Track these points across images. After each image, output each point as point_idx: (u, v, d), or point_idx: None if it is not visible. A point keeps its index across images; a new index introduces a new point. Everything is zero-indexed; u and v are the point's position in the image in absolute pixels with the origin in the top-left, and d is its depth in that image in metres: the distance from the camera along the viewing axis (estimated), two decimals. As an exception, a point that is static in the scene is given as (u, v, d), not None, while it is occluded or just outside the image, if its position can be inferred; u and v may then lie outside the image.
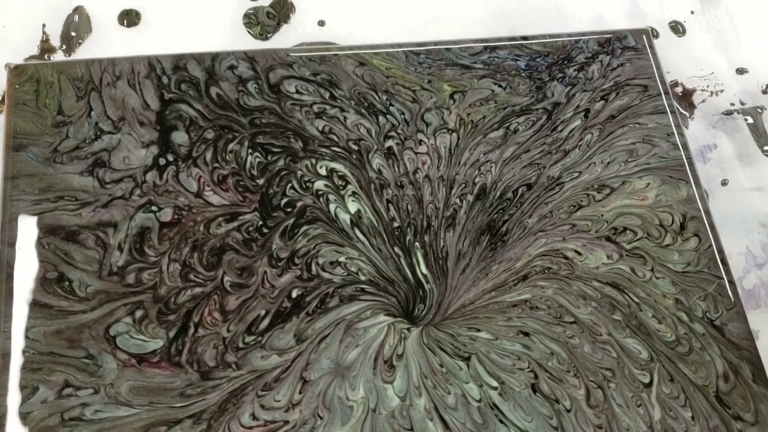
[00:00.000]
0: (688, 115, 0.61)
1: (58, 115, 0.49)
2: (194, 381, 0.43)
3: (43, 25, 0.57)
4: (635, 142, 0.55)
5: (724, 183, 0.58)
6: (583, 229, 0.51)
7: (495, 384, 0.46)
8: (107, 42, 0.57)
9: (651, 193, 0.53)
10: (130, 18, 0.58)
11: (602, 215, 0.52)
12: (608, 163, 0.54)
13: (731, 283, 0.51)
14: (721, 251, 0.51)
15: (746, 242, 0.56)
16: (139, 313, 0.44)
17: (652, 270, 0.50)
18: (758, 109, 0.62)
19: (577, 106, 0.56)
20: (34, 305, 0.43)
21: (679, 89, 0.62)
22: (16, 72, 0.50)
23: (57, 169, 0.48)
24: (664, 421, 0.46)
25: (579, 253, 0.50)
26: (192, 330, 0.44)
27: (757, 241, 0.57)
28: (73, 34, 0.57)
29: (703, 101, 0.61)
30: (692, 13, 0.65)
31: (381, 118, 0.53)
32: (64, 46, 0.56)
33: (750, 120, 0.61)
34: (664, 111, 0.57)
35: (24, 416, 0.41)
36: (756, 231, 0.57)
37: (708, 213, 0.53)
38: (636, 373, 0.47)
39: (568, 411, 0.45)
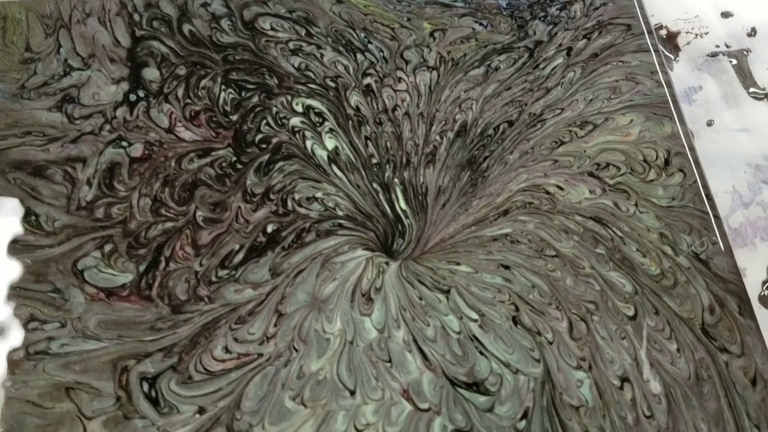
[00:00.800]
0: (672, 57, 0.59)
1: (26, 52, 0.48)
2: (165, 315, 0.41)
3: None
4: (618, 80, 0.53)
5: (709, 124, 0.56)
6: (565, 165, 0.49)
7: (475, 316, 0.44)
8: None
9: (634, 129, 0.51)
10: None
11: (585, 151, 0.50)
12: (591, 100, 0.52)
13: (716, 218, 0.49)
14: (706, 186, 0.50)
15: (732, 182, 0.55)
16: (108, 248, 0.43)
17: (635, 205, 0.49)
18: (744, 52, 0.60)
19: (560, 45, 0.54)
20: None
21: (663, 32, 0.60)
22: (-19, 8, 0.48)
23: (24, 105, 0.46)
24: (649, 353, 0.44)
25: (561, 188, 0.49)
26: (163, 264, 0.43)
27: (743, 181, 0.55)
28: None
29: (688, 44, 0.60)
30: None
31: (359, 56, 0.51)
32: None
33: (735, 62, 0.59)
34: (648, 50, 0.55)
35: (-12, 350, 0.39)
36: (742, 170, 0.55)
37: (693, 149, 0.51)
38: (620, 306, 0.46)
39: (551, 343, 0.44)
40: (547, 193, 0.48)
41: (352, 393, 0.41)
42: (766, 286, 0.51)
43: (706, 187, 0.50)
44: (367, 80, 0.50)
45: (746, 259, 0.52)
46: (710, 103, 0.58)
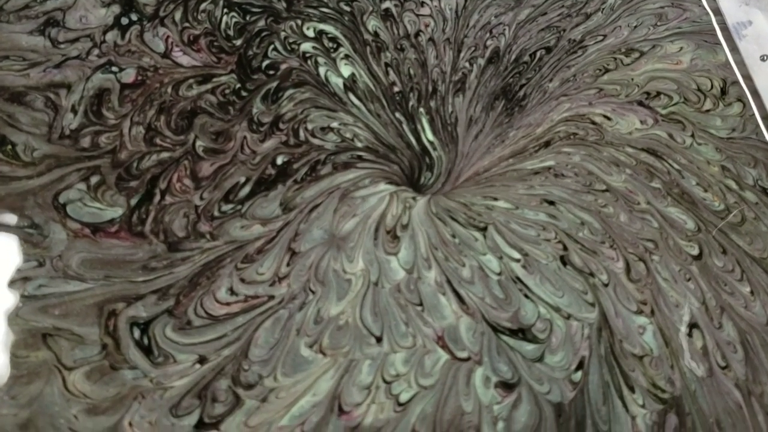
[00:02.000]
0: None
1: (4, -26, 0.42)
2: (160, 253, 0.35)
3: None
4: (663, 6, 0.47)
5: (763, 59, 0.50)
6: (611, 94, 0.43)
7: (517, 256, 0.37)
8: None
9: (685, 57, 0.45)
10: None
11: (632, 79, 0.44)
12: (635, 26, 0.46)
13: (784, 151, 0.43)
14: (767, 118, 0.43)
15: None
16: (94, 179, 0.36)
17: (692, 136, 0.42)
18: (794, -15, 0.54)
19: (597, -30, 0.48)
20: (-31, 169, 0.35)
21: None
22: None
23: (2, 28, 0.40)
24: (720, 296, 0.38)
25: (608, 118, 0.42)
26: (158, 198, 0.36)
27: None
28: None
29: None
30: None
31: (376, -20, 0.45)
32: None
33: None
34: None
35: (-48, 291, 0.33)
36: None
37: (749, 78, 0.45)
38: (682, 244, 0.39)
39: (606, 285, 0.37)
40: (593, 123, 0.42)
41: (379, 340, 0.34)
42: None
43: (767, 118, 0.44)
44: (386, 4, 0.44)
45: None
46: (762, 37, 0.52)
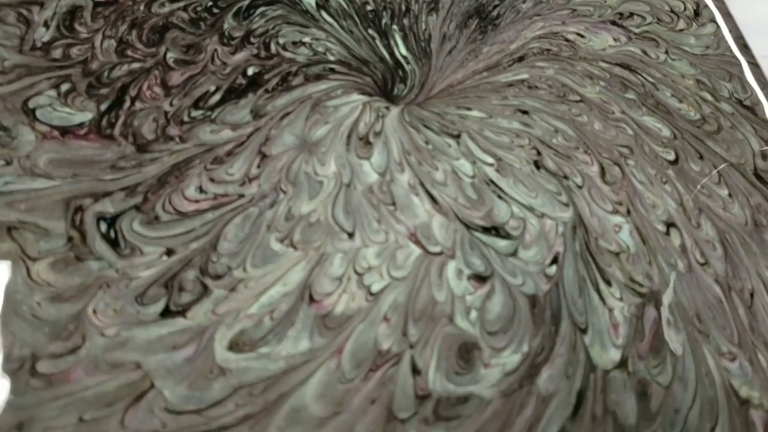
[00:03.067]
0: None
1: None
2: (128, 154, 0.34)
3: None
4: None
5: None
6: (584, 14, 0.43)
7: (491, 161, 0.37)
8: None
9: (659, -18, 0.45)
10: None
11: (605, 1, 0.44)
12: (608, -46, 0.46)
13: (755, 65, 0.42)
14: (741, 37, 0.43)
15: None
16: (65, 87, 0.36)
17: (666, 52, 0.42)
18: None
19: None
20: (-62, 76, 0.35)
21: None
22: None
23: (-24, -48, 0.40)
24: (698, 198, 0.37)
25: (582, 36, 0.42)
26: (128, 104, 0.36)
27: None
28: None
29: None
30: None
31: None
32: None
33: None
34: None
35: None
36: (778, 38, 0.48)
37: (722, 1, 0.45)
38: (658, 150, 0.38)
39: (580, 187, 0.37)
40: (567, 40, 0.42)
41: (351, 235, 0.33)
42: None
43: (741, 37, 0.43)
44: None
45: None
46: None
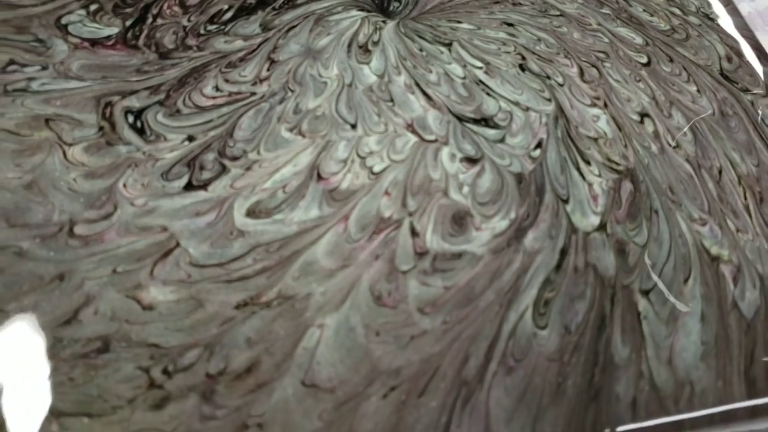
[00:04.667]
0: None
1: None
2: (152, 60, 0.37)
3: None
4: None
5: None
6: (562, -56, 0.46)
7: (480, 64, 0.40)
8: None
9: None
10: None
11: (582, -66, 0.47)
12: None
13: (724, -13, 0.45)
14: (709, -35, 0.46)
15: (736, -20, 0.51)
16: (93, 7, 0.39)
17: (639, -25, 0.45)
18: None
19: None
20: (-21, -2, 0.38)
21: None
22: None
23: None
24: (669, 93, 0.40)
25: (560, -38, 0.45)
26: (150, 20, 0.39)
27: (747, -21, 0.51)
28: None
29: None
30: None
31: None
32: None
33: None
34: None
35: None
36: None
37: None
38: (632, 54, 0.41)
39: (561, 85, 0.39)
40: (547, -34, 0.45)
41: (353, 126, 0.36)
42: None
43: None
44: None
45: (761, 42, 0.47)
46: None
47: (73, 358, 0.27)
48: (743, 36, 0.42)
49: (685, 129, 0.36)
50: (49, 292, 0.29)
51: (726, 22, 0.42)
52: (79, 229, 0.30)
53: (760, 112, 0.36)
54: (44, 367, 0.27)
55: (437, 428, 0.27)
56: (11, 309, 0.28)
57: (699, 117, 0.37)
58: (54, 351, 0.27)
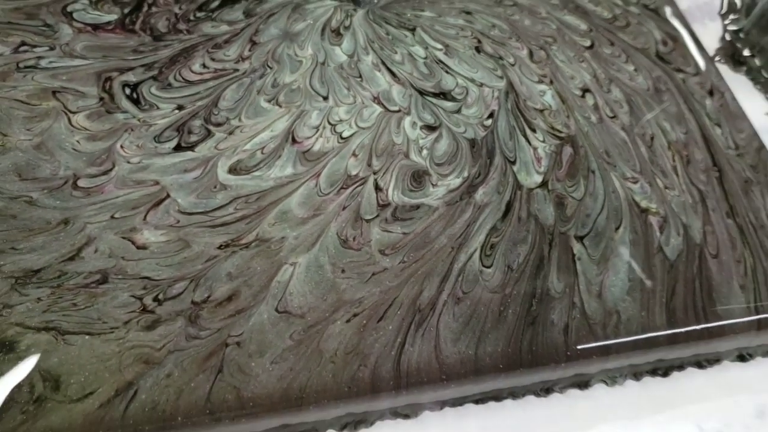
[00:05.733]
0: None
1: None
2: (147, 42, 0.41)
3: None
4: None
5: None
6: (518, -56, 0.50)
7: (440, 47, 0.44)
8: None
9: None
10: None
11: (536, -65, 0.51)
12: None
13: (662, -20, 0.50)
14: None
15: (678, -22, 0.55)
16: (95, -2, 0.43)
17: (586, -29, 0.49)
18: None
19: None
20: (-7, -12, 0.42)
21: None
22: None
23: None
24: (609, 72, 0.44)
25: (516, -40, 0.50)
26: (145, 8, 0.43)
27: (688, -23, 0.56)
28: None
29: None
30: None
31: None
32: None
33: None
34: None
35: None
36: (687, -29, 0.56)
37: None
38: (577, 39, 0.46)
39: (512, 65, 0.44)
40: (503, -37, 0.49)
41: (325, 98, 0.40)
42: (717, 51, 0.51)
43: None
44: None
45: (698, 33, 0.52)
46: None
47: (76, 287, 0.31)
48: (680, 23, 0.46)
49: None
50: (56, 234, 0.33)
51: (665, 10, 0.47)
52: (82, 183, 0.34)
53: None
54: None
55: (393, 347, 0.31)
56: (23, 248, 0.32)
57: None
58: (60, 281, 0.31)
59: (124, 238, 0.32)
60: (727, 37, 0.49)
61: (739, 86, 0.48)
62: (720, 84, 0.43)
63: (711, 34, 0.50)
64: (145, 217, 0.33)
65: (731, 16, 0.51)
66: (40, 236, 0.32)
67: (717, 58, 0.48)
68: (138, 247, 0.32)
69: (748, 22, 0.48)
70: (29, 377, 0.28)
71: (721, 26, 0.50)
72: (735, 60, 0.48)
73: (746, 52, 0.48)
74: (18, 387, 0.28)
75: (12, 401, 0.28)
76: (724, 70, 0.48)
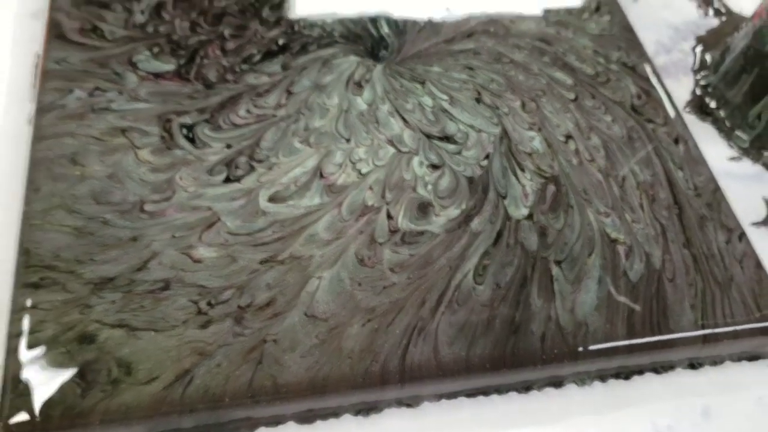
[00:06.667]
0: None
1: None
2: (200, 89, 0.49)
3: None
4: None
5: (634, 0, 0.65)
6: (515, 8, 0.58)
7: (446, 97, 0.51)
8: None
9: (571, -12, 0.60)
10: None
11: (531, 2, 0.59)
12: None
13: (636, 41, 0.57)
14: (628, 25, 0.58)
15: (657, 37, 0.63)
16: (156, 49, 0.51)
17: (573, 33, 0.57)
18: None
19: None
20: (71, 42, 0.51)
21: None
22: None
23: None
24: (589, 121, 0.51)
25: (513, 22, 0.57)
26: (198, 60, 0.51)
27: (666, 37, 0.63)
28: None
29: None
30: None
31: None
32: None
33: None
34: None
35: (63, 106, 0.47)
36: (665, 31, 0.64)
37: (616, 3, 0.60)
38: (563, 92, 0.53)
39: (507, 114, 0.51)
40: (503, 25, 0.57)
41: (348, 140, 0.48)
42: (687, 102, 0.58)
43: (631, 29, 0.58)
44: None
45: (672, 87, 0.59)
46: (637, -10, 0.67)
47: (144, 292, 0.39)
48: (655, 79, 0.53)
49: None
50: (126, 248, 0.40)
51: (641, 68, 0.54)
52: (147, 207, 0.42)
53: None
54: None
55: (399, 347, 0.38)
56: (99, 259, 0.40)
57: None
58: (130, 288, 0.39)
59: (182, 253, 0.40)
60: (697, 91, 0.57)
61: (705, 134, 0.55)
62: (685, 133, 0.50)
63: (684, 87, 0.57)
64: (201, 236, 0.41)
65: (702, 72, 0.58)
66: (114, 250, 0.39)
67: (687, 109, 0.55)
68: (194, 261, 0.40)
69: (715, 78, 0.56)
70: (107, 363, 0.36)
71: (693, 81, 0.58)
72: (703, 111, 0.55)
73: (713, 105, 0.55)
74: (98, 371, 0.35)
75: (94, 382, 0.35)
76: (693, 120, 0.55)
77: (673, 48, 0.60)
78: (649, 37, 0.60)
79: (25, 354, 0.35)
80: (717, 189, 0.47)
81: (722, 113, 0.55)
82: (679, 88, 0.57)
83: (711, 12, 0.64)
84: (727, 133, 0.54)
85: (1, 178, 0.44)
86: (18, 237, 0.39)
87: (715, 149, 0.53)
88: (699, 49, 0.61)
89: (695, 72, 0.59)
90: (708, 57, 0.60)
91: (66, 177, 0.42)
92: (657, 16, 0.63)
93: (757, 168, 0.53)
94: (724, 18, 0.63)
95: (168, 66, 0.48)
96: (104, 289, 0.38)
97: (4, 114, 0.48)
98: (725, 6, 0.64)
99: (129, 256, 0.39)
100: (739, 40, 0.54)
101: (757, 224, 0.49)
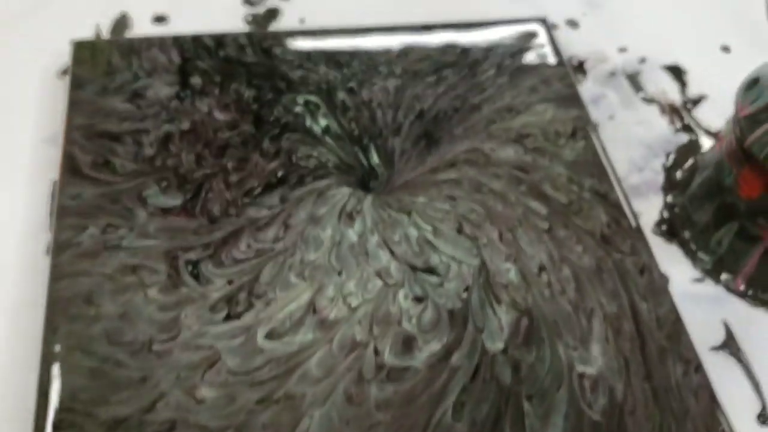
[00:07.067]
0: (582, 77, 0.74)
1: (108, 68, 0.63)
2: (204, 224, 0.54)
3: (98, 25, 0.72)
4: (536, 83, 0.68)
5: (610, 117, 0.70)
6: (496, 135, 0.63)
7: (430, 228, 0.56)
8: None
9: (548, 113, 0.65)
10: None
11: (511, 127, 0.64)
12: (515, 96, 0.66)
13: (609, 167, 0.62)
14: (605, 151, 0.63)
15: (629, 156, 0.68)
16: (164, 184, 0.56)
17: (550, 160, 0.62)
18: (635, 72, 0.75)
19: (495, 64, 0.69)
20: (85, 177, 0.55)
21: (574, 61, 0.75)
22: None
23: (106, 99, 0.61)
24: (561, 252, 0.56)
25: (494, 150, 0.62)
26: (203, 194, 0.56)
27: (638, 155, 0.68)
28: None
29: (594, 67, 0.75)
30: (584, 14, 0.80)
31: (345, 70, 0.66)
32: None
33: (630, 80, 0.74)
34: (563, 64, 0.70)
35: (78, 244, 0.52)
36: (638, 149, 0.68)
37: (593, 125, 0.65)
38: (538, 222, 0.58)
39: (485, 245, 0.56)
40: (484, 153, 0.62)
41: (339, 273, 0.52)
42: (656, 223, 0.63)
43: (605, 151, 0.63)
44: (351, 84, 0.65)
45: (642, 207, 0.64)
46: (612, 105, 0.72)
47: (152, 433, 0.43)
48: (625, 206, 0.58)
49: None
50: (138, 389, 0.44)
51: (613, 196, 0.59)
52: (155, 347, 0.46)
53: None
54: (134, 440, 0.42)
55: (383, 486, 0.42)
56: (112, 400, 0.44)
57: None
58: (140, 428, 0.43)
59: (187, 393, 0.44)
60: (665, 213, 0.61)
61: (671, 255, 0.59)
62: (650, 262, 0.54)
63: (654, 207, 0.62)
64: (203, 376, 0.45)
65: (671, 193, 0.63)
66: (125, 391, 0.44)
67: (655, 230, 0.60)
68: (197, 401, 0.44)
69: (683, 198, 0.60)
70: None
71: (662, 200, 0.62)
72: (670, 232, 0.60)
73: (679, 226, 0.60)
74: None
75: None
76: (660, 241, 0.59)
77: (645, 166, 0.65)
78: (622, 157, 0.65)
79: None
80: (678, 320, 0.51)
81: (687, 234, 0.59)
82: (649, 208, 0.62)
83: (679, 125, 0.69)
84: (692, 255, 0.58)
85: (21, 313, 0.48)
86: (38, 378, 0.43)
87: (679, 270, 0.58)
88: (668, 166, 0.65)
89: (664, 191, 0.63)
90: (678, 174, 0.64)
91: (82, 317, 0.46)
92: (630, 134, 0.67)
93: (719, 289, 0.57)
94: (693, 135, 0.68)
95: (175, 201, 0.53)
96: (117, 429, 0.42)
97: (23, 245, 0.52)
98: (694, 120, 0.69)
99: (139, 397, 0.43)
100: (706, 164, 0.59)
101: (715, 348, 0.53)
